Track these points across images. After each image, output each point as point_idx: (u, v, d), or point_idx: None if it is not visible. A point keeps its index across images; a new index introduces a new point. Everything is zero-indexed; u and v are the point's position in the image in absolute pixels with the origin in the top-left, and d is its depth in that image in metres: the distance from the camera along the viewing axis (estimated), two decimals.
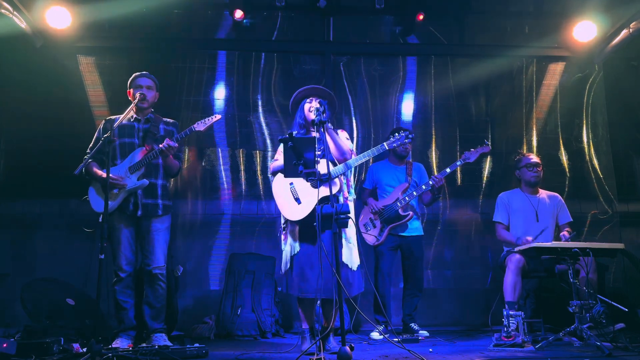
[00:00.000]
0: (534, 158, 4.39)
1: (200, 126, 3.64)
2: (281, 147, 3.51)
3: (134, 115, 3.71)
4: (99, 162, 3.65)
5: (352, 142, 4.38)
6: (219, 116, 3.71)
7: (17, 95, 5.06)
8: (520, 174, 4.39)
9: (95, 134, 3.74)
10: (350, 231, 3.40)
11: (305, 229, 3.36)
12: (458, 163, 4.33)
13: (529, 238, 4.07)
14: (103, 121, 3.77)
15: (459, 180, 5.47)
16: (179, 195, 5.28)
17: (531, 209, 4.32)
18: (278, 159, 3.55)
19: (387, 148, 3.48)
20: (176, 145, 3.58)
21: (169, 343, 3.50)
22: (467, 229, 5.43)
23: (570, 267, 3.50)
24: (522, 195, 4.38)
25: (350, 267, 3.34)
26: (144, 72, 3.78)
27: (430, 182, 4.29)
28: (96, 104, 5.19)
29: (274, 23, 5.60)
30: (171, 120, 3.87)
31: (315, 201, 3.22)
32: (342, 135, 3.58)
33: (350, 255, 3.36)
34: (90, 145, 3.73)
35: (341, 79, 5.54)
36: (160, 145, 3.54)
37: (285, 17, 5.61)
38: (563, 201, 4.42)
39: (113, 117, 3.78)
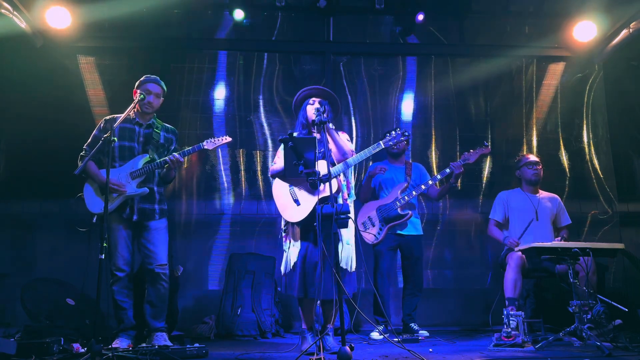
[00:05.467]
0: (533, 157, 4.49)
1: (209, 145, 3.67)
2: (281, 150, 3.51)
3: (136, 119, 3.71)
4: (97, 162, 3.64)
5: (352, 142, 4.38)
6: (229, 138, 3.74)
7: (17, 95, 5.06)
8: (520, 173, 4.46)
9: (94, 132, 3.73)
10: (349, 233, 3.40)
11: (306, 229, 3.36)
12: (458, 163, 4.34)
13: (517, 242, 4.12)
14: (103, 120, 3.76)
15: (459, 181, 5.45)
16: (179, 195, 5.29)
17: (531, 208, 4.34)
18: (277, 162, 3.55)
19: (382, 146, 3.49)
20: (183, 160, 3.62)
21: (169, 343, 3.50)
22: (467, 229, 5.43)
23: (570, 267, 3.50)
24: (523, 195, 4.42)
25: (346, 268, 3.34)
26: (156, 78, 3.74)
27: (430, 183, 4.34)
28: (96, 104, 5.19)
29: (274, 23, 5.60)
30: (171, 127, 3.88)
31: (314, 202, 3.22)
32: (343, 136, 3.58)
33: (347, 257, 3.36)
34: (88, 142, 3.71)
35: (341, 79, 5.54)
36: (167, 159, 3.57)
37: (285, 17, 5.61)
38: (562, 204, 4.46)
39: (113, 116, 3.78)
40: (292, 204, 3.39)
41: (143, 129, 3.72)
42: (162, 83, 3.77)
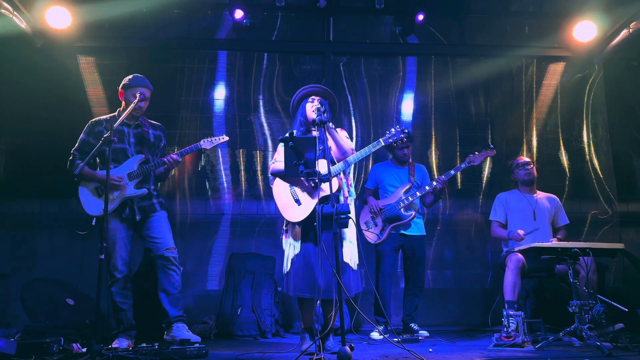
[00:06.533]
0: (524, 158, 4.57)
1: (206, 144, 3.69)
2: (280, 148, 3.51)
3: (124, 119, 3.70)
4: (88, 164, 3.63)
5: (352, 141, 4.38)
6: (226, 138, 3.77)
7: (17, 95, 5.06)
8: (514, 176, 4.52)
9: (81, 136, 3.73)
10: (350, 231, 3.40)
11: (306, 229, 3.35)
12: (462, 166, 4.36)
13: (521, 232, 4.11)
14: (89, 123, 3.75)
15: (459, 181, 5.47)
16: (179, 195, 5.28)
17: (529, 208, 4.36)
18: (277, 160, 3.54)
19: (382, 144, 3.48)
20: (180, 160, 3.63)
21: (192, 334, 3.51)
22: (467, 229, 5.43)
23: (570, 267, 3.50)
24: (520, 195, 4.46)
25: (349, 267, 3.34)
26: (146, 80, 3.75)
27: (434, 184, 4.31)
28: (96, 104, 5.18)
29: (274, 23, 5.60)
30: (157, 124, 3.90)
31: (316, 202, 3.22)
32: (342, 134, 3.58)
33: (351, 256, 3.36)
34: (76, 146, 3.71)
35: (341, 79, 5.54)
36: (166, 161, 3.59)
37: (285, 17, 5.61)
38: (560, 203, 4.49)
39: (99, 118, 3.77)
40: (293, 203, 3.39)
41: (132, 129, 3.73)
42: (150, 83, 3.78)
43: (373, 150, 3.48)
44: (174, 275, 3.61)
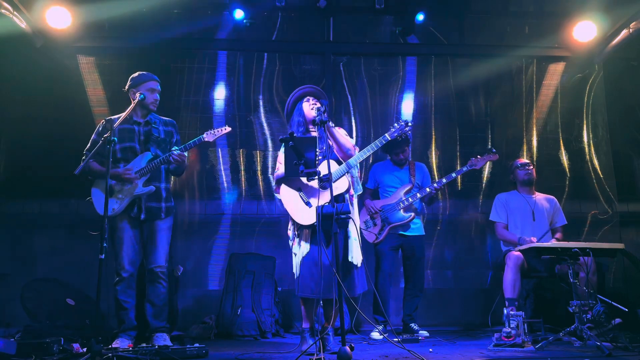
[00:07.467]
0: (523, 159, 4.62)
1: (209, 137, 3.67)
2: (281, 154, 3.50)
3: (134, 118, 3.70)
4: (100, 163, 3.65)
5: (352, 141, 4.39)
6: (229, 128, 3.74)
7: (17, 95, 5.06)
8: (514, 177, 4.55)
9: (93, 136, 3.72)
10: (354, 228, 3.40)
11: (315, 231, 3.34)
12: (464, 169, 4.37)
13: (533, 239, 4.10)
14: (101, 123, 3.75)
15: (460, 181, 5.47)
16: (179, 195, 5.28)
17: (528, 209, 4.37)
18: (279, 168, 3.53)
19: (389, 138, 3.50)
20: (186, 155, 3.62)
21: (169, 343, 3.50)
22: (467, 229, 5.44)
23: (570, 267, 3.50)
24: (519, 196, 4.47)
25: (354, 265, 3.34)
26: (154, 75, 3.75)
27: (435, 186, 4.33)
28: (96, 104, 5.19)
29: (274, 23, 5.60)
30: (169, 120, 3.87)
31: (326, 202, 3.21)
32: (341, 132, 3.58)
33: (356, 253, 3.36)
34: (88, 147, 3.71)
35: (341, 79, 5.54)
36: (171, 157, 3.57)
37: (285, 17, 5.61)
38: (559, 204, 4.51)
39: (113, 117, 3.77)
40: (303, 206, 3.37)
41: (142, 127, 3.72)
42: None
43: (380, 145, 3.49)
44: (160, 288, 3.63)
